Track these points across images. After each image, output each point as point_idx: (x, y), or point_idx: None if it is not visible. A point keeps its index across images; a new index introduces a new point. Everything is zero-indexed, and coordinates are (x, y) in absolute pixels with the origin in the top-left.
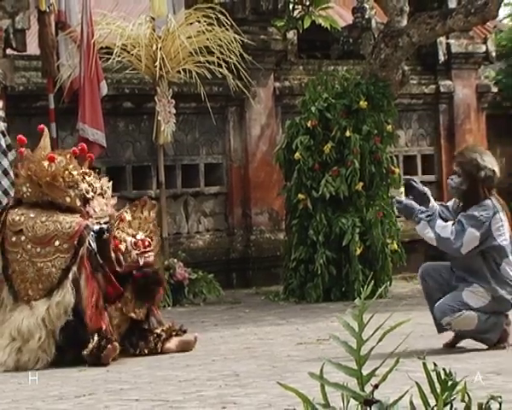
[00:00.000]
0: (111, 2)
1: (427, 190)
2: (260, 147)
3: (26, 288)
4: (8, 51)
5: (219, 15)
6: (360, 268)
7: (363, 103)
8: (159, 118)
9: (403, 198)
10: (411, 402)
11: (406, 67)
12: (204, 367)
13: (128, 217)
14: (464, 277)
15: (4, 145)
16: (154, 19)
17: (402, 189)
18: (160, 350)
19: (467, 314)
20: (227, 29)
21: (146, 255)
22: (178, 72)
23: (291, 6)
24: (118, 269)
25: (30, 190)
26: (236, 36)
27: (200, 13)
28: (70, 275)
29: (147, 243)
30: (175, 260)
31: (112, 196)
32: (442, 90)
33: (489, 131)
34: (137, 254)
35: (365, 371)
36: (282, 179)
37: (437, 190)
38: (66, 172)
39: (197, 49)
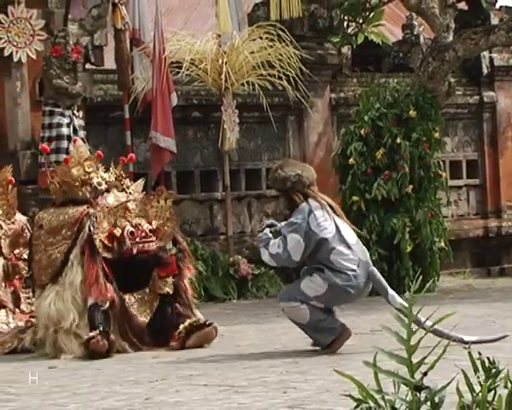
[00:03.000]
0: (181, 21)
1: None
2: (317, 153)
3: (40, 274)
4: (88, 66)
5: (280, 32)
6: (410, 265)
7: (412, 113)
8: (224, 126)
9: (266, 231)
10: (458, 388)
11: (452, 79)
12: (267, 355)
13: (132, 206)
14: (307, 268)
15: None
16: (220, 35)
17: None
18: (180, 346)
19: (300, 308)
20: (287, 45)
21: (141, 245)
22: (242, 84)
23: (346, 23)
24: (104, 255)
25: (56, 192)
26: (295, 51)
27: (262, 30)
28: (71, 256)
29: (144, 234)
30: (239, 257)
31: (140, 192)
32: (485, 100)
33: None
34: (132, 243)
35: (415, 360)
36: (338, 183)
37: (481, 192)
38: (81, 170)
39: (259, 63)
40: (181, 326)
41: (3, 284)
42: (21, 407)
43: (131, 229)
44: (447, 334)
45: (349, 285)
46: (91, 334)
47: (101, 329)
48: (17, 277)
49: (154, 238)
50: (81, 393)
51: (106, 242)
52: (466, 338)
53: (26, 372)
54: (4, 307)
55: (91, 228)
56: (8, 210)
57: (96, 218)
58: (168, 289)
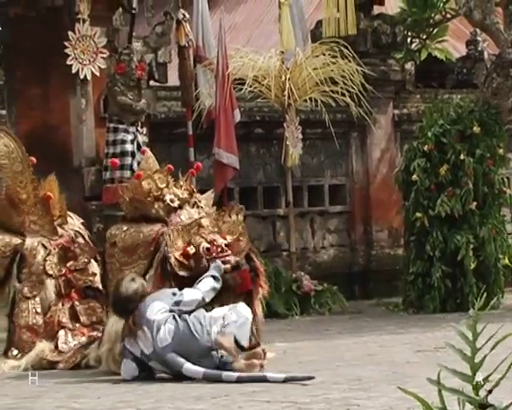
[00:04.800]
0: (244, 38)
1: None
2: (380, 169)
3: None
4: (152, 83)
5: (343, 49)
6: (474, 281)
7: (476, 129)
8: (287, 143)
9: None
10: None
11: None
12: (330, 372)
13: (206, 223)
14: None
15: None
16: (283, 52)
17: None
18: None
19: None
20: (350, 61)
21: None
22: (305, 100)
23: (409, 39)
24: (180, 273)
25: (128, 207)
26: (358, 67)
27: (325, 46)
28: (147, 277)
29: (220, 249)
30: (302, 273)
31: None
32: None
33: None
34: (208, 259)
35: (479, 378)
36: (401, 199)
37: None
38: (154, 186)
39: (322, 79)
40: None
41: (60, 303)
42: None
43: (207, 245)
44: (249, 377)
45: None
46: None
47: None
48: (73, 290)
49: (229, 252)
50: (145, 409)
51: (181, 260)
52: (270, 376)
53: (90, 388)
54: (63, 327)
55: (165, 248)
56: (54, 225)
57: (170, 236)
58: None
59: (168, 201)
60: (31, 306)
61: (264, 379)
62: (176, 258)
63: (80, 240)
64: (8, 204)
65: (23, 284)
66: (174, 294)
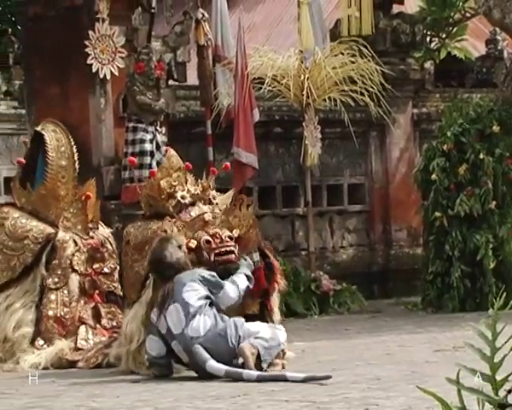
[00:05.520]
0: (263, 37)
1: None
2: (399, 169)
3: (129, 292)
4: (171, 82)
5: (362, 48)
6: (493, 281)
7: (495, 128)
8: (306, 142)
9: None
10: None
11: None
12: (348, 371)
13: (209, 218)
14: None
15: None
16: (302, 51)
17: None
18: None
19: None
20: (369, 60)
21: (217, 251)
22: (324, 100)
23: (428, 38)
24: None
25: (146, 205)
26: (377, 67)
27: (344, 46)
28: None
29: (218, 241)
30: (321, 273)
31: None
32: None
33: None
34: (208, 251)
35: (499, 377)
36: (420, 199)
37: None
38: (167, 183)
39: (341, 78)
40: None
41: (82, 301)
42: None
43: (207, 238)
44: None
45: None
46: None
47: None
48: (97, 292)
49: (232, 243)
50: (163, 408)
51: None
52: (289, 375)
53: (109, 387)
54: (84, 323)
55: None
56: (87, 225)
57: (168, 232)
58: (254, 309)
59: (179, 197)
60: (59, 297)
61: (283, 378)
62: None
63: (109, 246)
64: (48, 194)
65: (49, 273)
66: (213, 276)
